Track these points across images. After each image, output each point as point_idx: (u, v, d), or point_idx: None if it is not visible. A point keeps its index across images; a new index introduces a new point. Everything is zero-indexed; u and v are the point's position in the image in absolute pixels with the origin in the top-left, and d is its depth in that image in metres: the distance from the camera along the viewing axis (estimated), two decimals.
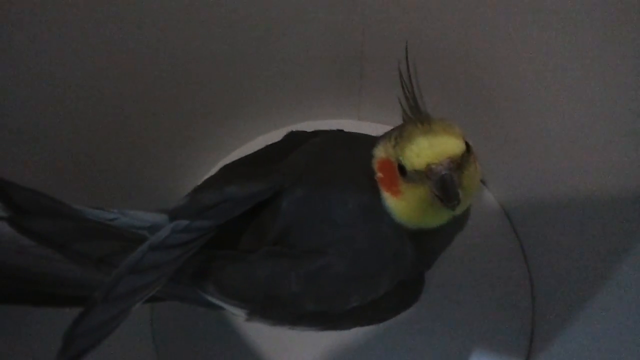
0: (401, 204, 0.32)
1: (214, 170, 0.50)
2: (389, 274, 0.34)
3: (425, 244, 0.35)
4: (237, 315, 0.36)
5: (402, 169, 0.31)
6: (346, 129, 0.44)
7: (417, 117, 0.32)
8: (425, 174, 0.29)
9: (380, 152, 0.34)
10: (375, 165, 0.34)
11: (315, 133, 0.43)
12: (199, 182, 0.45)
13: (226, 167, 0.42)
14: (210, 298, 0.35)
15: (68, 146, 0.41)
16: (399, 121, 0.35)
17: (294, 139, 0.43)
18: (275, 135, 0.59)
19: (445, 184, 0.29)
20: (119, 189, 0.46)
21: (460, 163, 0.30)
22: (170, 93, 0.47)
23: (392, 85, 0.36)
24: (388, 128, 0.59)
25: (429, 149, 0.29)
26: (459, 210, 0.31)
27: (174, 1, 0.41)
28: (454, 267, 0.51)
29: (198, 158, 0.56)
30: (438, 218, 0.33)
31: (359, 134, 0.42)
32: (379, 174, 0.33)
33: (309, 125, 0.60)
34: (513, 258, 0.53)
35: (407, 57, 0.36)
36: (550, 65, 0.39)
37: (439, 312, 0.50)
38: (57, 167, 0.41)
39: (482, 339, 0.49)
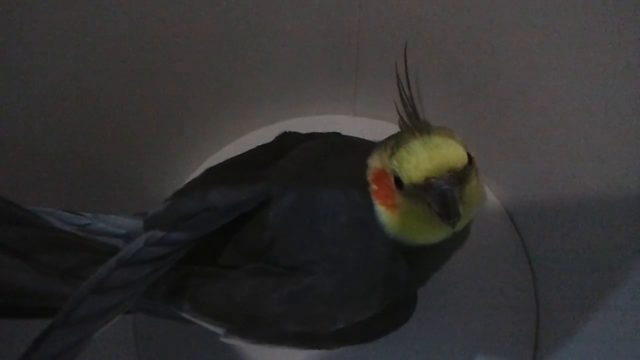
0: (396, 219, 0.30)
1: (201, 169, 0.48)
2: (378, 295, 0.32)
3: (421, 261, 0.33)
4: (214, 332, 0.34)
5: (398, 182, 0.29)
6: (342, 125, 0.43)
7: (415, 125, 0.29)
8: (423, 188, 0.27)
9: (375, 162, 0.31)
10: (370, 176, 0.32)
11: (310, 136, 0.41)
12: (185, 181, 0.43)
13: (211, 170, 0.39)
14: (185, 315, 0.33)
15: (45, 144, 0.39)
16: (396, 117, 0.34)
17: (287, 140, 0.41)
18: (267, 132, 0.57)
19: (445, 199, 0.26)
20: (98, 190, 0.44)
21: (461, 177, 0.27)
22: (153, 85, 0.45)
23: (390, 80, 0.35)
24: (385, 124, 0.58)
25: (428, 162, 0.27)
26: (459, 227, 0.29)
27: None
28: (455, 270, 0.48)
29: (185, 155, 0.54)
30: (436, 235, 0.31)
31: (355, 139, 0.40)
32: (374, 186, 0.31)
33: (302, 122, 0.59)
34: (517, 261, 0.52)
35: (405, 60, 0.34)
36: (556, 63, 0.38)
37: (440, 316, 0.49)
38: (33, 168, 0.39)
39: (485, 344, 0.48)
